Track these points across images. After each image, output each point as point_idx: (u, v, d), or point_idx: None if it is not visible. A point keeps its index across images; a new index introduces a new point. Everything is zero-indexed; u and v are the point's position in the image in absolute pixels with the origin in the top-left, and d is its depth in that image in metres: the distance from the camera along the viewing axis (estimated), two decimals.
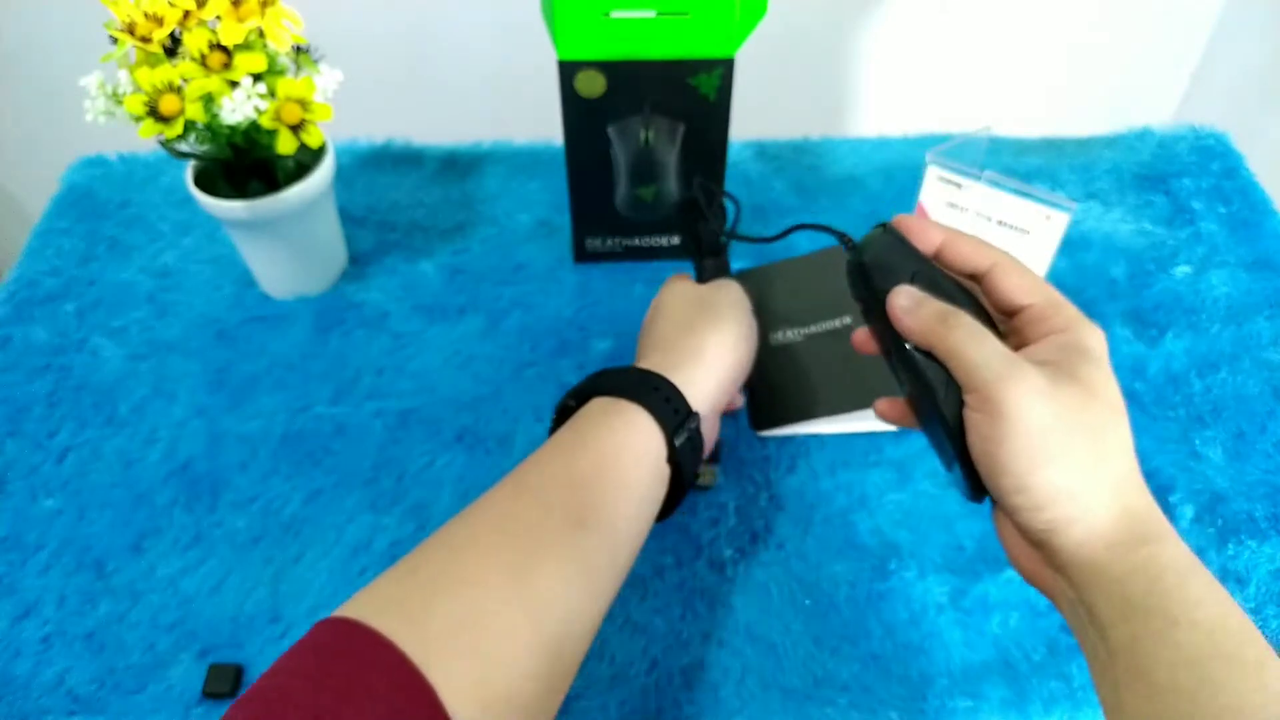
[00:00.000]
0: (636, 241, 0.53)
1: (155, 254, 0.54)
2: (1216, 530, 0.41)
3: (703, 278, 0.44)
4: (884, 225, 0.32)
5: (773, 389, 0.47)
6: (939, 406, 0.29)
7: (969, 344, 0.28)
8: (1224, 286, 0.51)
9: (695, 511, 0.42)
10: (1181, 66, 0.92)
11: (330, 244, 0.52)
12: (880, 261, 0.31)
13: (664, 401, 0.34)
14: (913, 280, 0.30)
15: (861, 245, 0.32)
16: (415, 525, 0.42)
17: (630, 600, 0.39)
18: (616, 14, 0.42)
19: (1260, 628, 0.38)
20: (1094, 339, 0.28)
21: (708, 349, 0.37)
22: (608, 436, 0.33)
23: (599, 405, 0.34)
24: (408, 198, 0.57)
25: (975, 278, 0.30)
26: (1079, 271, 0.52)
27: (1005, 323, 0.31)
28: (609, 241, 0.52)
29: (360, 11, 0.84)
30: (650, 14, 0.42)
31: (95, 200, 0.57)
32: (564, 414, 0.35)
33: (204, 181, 0.47)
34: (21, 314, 0.51)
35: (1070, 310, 0.29)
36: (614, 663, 0.38)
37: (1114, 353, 0.48)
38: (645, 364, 0.36)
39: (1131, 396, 0.46)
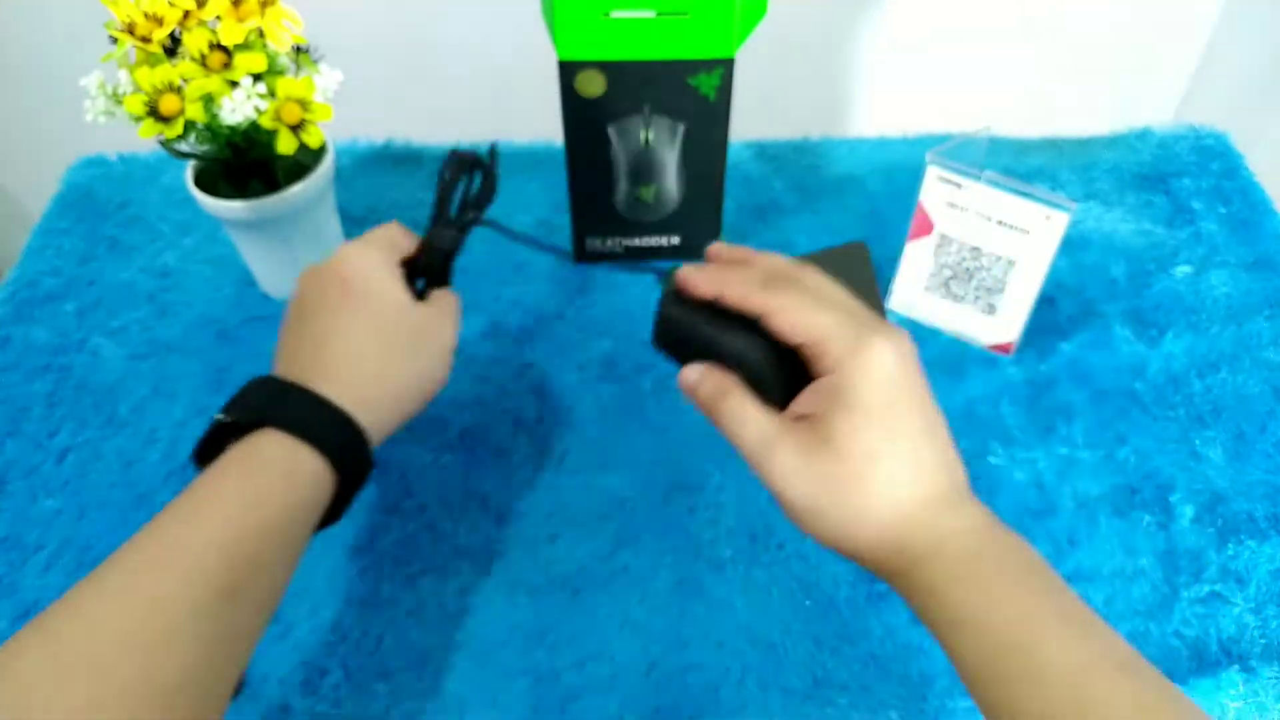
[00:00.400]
0: (636, 241, 0.53)
1: (155, 254, 0.54)
2: (1216, 530, 0.41)
3: (426, 280, 0.38)
4: (666, 287, 0.32)
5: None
6: None
7: (734, 425, 0.30)
8: (1224, 286, 0.52)
9: (695, 511, 0.42)
10: (1181, 67, 0.92)
11: (331, 244, 0.52)
12: (673, 330, 0.32)
13: (342, 447, 0.31)
14: (702, 339, 0.31)
15: (656, 318, 0.32)
16: (417, 525, 0.42)
17: (629, 600, 0.39)
18: (616, 14, 0.42)
19: (1261, 628, 0.38)
20: (862, 368, 0.29)
21: (406, 393, 0.35)
22: (281, 494, 0.30)
23: (270, 447, 0.30)
24: (408, 198, 0.57)
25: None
26: (1079, 271, 0.52)
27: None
28: (609, 241, 0.53)
29: (360, 12, 0.84)
30: (650, 14, 0.42)
31: (95, 200, 0.57)
32: (216, 436, 0.31)
33: (204, 181, 0.47)
34: (21, 314, 0.51)
35: (837, 345, 0.29)
36: (613, 662, 0.38)
37: (1114, 353, 0.48)
38: (324, 383, 0.32)
39: (1131, 396, 0.46)
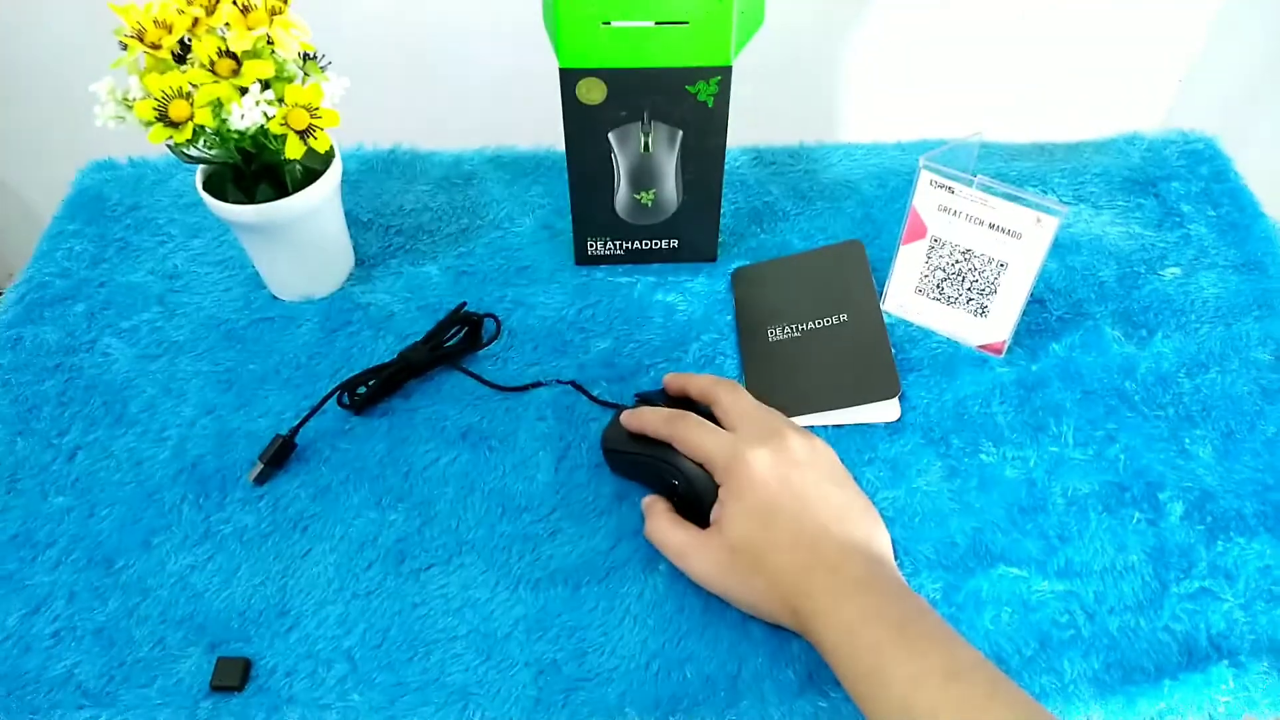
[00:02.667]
0: (636, 245, 0.53)
1: (165, 256, 0.55)
2: (1206, 528, 0.42)
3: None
4: (611, 421, 0.43)
5: (769, 384, 0.48)
6: None
7: (657, 538, 0.39)
8: (1213, 288, 0.52)
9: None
10: (1171, 71, 0.93)
11: (337, 247, 0.52)
12: (617, 463, 0.43)
13: None
14: (635, 464, 0.42)
15: (605, 438, 0.43)
16: (420, 521, 0.43)
17: (629, 594, 0.40)
18: (617, 23, 0.43)
19: (1250, 623, 0.39)
20: (737, 484, 0.38)
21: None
22: None
23: None
24: (413, 202, 0.58)
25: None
26: (1069, 274, 0.53)
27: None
28: (610, 245, 0.53)
29: (366, 20, 0.85)
30: (650, 23, 0.43)
31: (105, 203, 0.58)
32: None
33: (213, 186, 0.48)
34: (32, 315, 0.52)
35: (720, 462, 0.38)
36: (614, 655, 0.38)
37: (1103, 353, 0.49)
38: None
39: (1121, 396, 0.47)
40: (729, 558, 0.37)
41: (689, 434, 0.40)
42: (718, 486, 0.39)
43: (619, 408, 0.45)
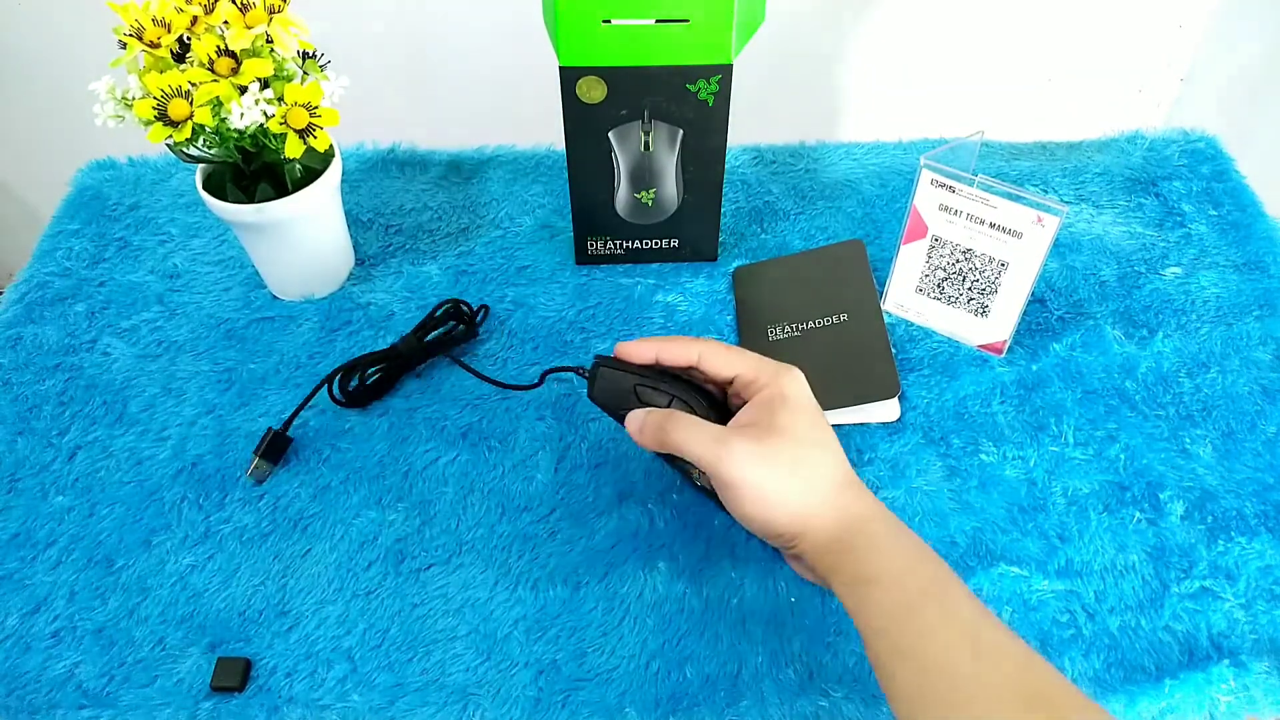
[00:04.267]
0: (637, 244, 0.53)
1: (165, 256, 0.55)
2: (1206, 527, 0.42)
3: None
4: (600, 358, 0.40)
5: None
6: (697, 483, 0.41)
7: (686, 438, 0.36)
8: (1214, 288, 0.52)
9: (693, 508, 0.43)
10: (1172, 71, 0.93)
11: (337, 247, 0.52)
12: (608, 389, 0.39)
13: None
14: (635, 391, 0.39)
15: (590, 381, 0.40)
16: (420, 521, 0.43)
17: (629, 594, 0.40)
18: (617, 21, 0.43)
19: (1250, 623, 0.39)
20: (790, 386, 0.36)
21: None
22: None
23: None
24: (413, 201, 0.58)
25: (691, 367, 0.39)
26: (1070, 273, 0.53)
27: (725, 390, 0.39)
28: (610, 244, 0.53)
29: (366, 19, 0.85)
30: (650, 21, 0.43)
31: (105, 203, 0.58)
32: None
33: (213, 185, 0.48)
34: (32, 314, 0.52)
35: (768, 369, 0.37)
36: (614, 655, 0.38)
37: (1104, 353, 0.49)
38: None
39: (1122, 395, 0.47)
40: (782, 447, 0.35)
41: (723, 348, 0.38)
42: (721, 419, 0.37)
43: (580, 370, 0.42)
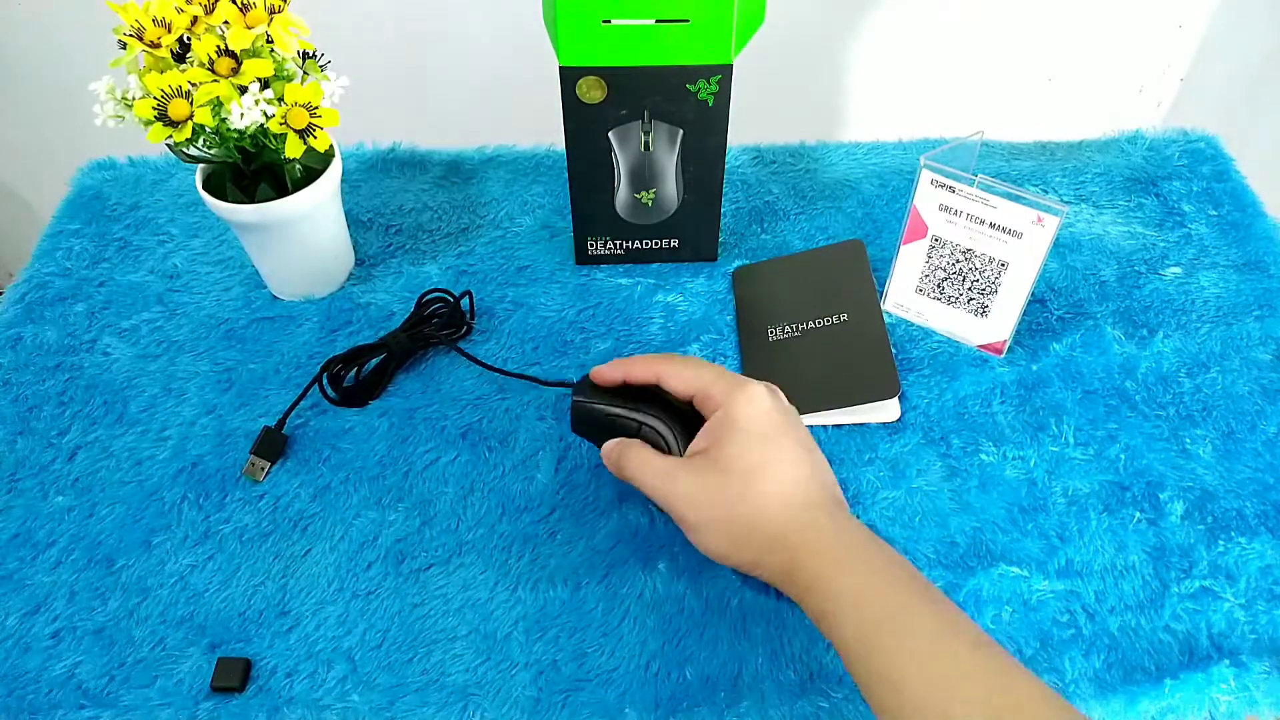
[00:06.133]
0: (637, 244, 0.53)
1: (165, 256, 0.55)
2: (1206, 527, 0.42)
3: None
4: (575, 388, 0.41)
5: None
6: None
7: (638, 472, 0.37)
8: (1214, 288, 0.52)
9: None
10: (1172, 70, 0.93)
11: (337, 247, 0.52)
12: (583, 421, 0.40)
13: None
14: (605, 421, 0.40)
15: (571, 409, 0.41)
16: (420, 521, 0.43)
17: (629, 595, 0.40)
18: (617, 21, 0.43)
19: (1251, 623, 0.39)
20: (739, 406, 0.36)
21: None
22: None
23: None
24: (413, 201, 0.58)
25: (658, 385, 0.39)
26: (1070, 273, 0.53)
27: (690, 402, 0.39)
28: (610, 244, 0.53)
29: (366, 19, 0.85)
30: (650, 21, 0.43)
31: (105, 203, 0.58)
32: None
33: (213, 185, 0.48)
34: (32, 314, 0.52)
35: (720, 386, 0.37)
36: (613, 655, 0.38)
37: (1104, 353, 0.49)
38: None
39: (1122, 396, 0.47)
40: (719, 481, 0.35)
41: (682, 366, 0.38)
42: (690, 437, 0.38)
43: (569, 384, 0.45)
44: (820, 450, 0.38)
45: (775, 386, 0.39)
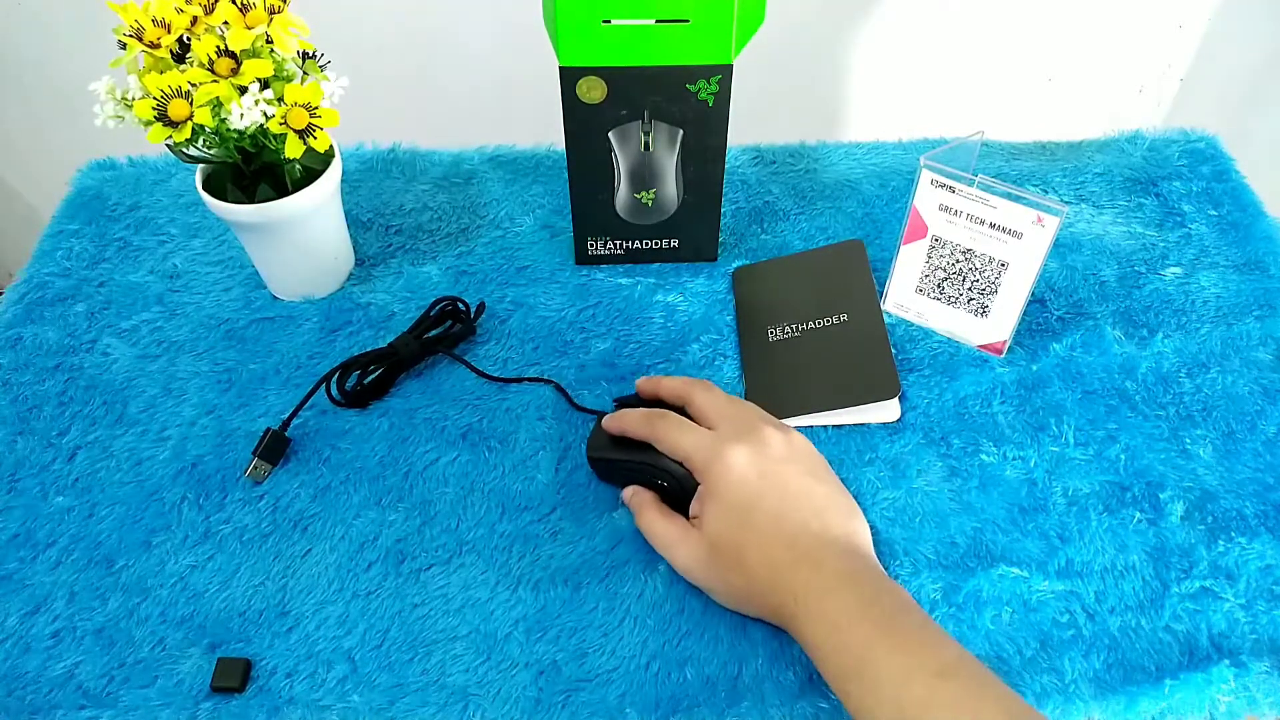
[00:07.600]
0: (637, 244, 0.53)
1: (165, 256, 0.55)
2: (1206, 527, 0.42)
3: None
4: (591, 442, 0.43)
5: (768, 384, 0.47)
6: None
7: (648, 529, 0.40)
8: (1214, 288, 0.52)
9: None
10: (1172, 70, 0.93)
11: (337, 247, 0.52)
12: (607, 474, 0.43)
13: None
14: (625, 474, 0.42)
15: (589, 463, 0.43)
16: (420, 521, 0.43)
17: (629, 595, 0.40)
18: (617, 21, 0.43)
19: (1251, 623, 0.39)
20: (715, 478, 0.38)
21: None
22: None
23: None
24: (413, 201, 0.58)
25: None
26: (1070, 273, 0.53)
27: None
28: (610, 244, 0.53)
29: (366, 19, 0.85)
30: (650, 21, 0.43)
31: (105, 203, 0.58)
32: None
33: (213, 185, 0.48)
34: (32, 315, 0.52)
35: (699, 459, 0.39)
36: (614, 655, 0.38)
37: (1104, 353, 0.49)
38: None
39: (1122, 396, 0.47)
40: (709, 554, 0.38)
41: (668, 433, 0.40)
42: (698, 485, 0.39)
43: (600, 414, 0.45)
44: (815, 474, 0.39)
45: (761, 419, 0.40)
